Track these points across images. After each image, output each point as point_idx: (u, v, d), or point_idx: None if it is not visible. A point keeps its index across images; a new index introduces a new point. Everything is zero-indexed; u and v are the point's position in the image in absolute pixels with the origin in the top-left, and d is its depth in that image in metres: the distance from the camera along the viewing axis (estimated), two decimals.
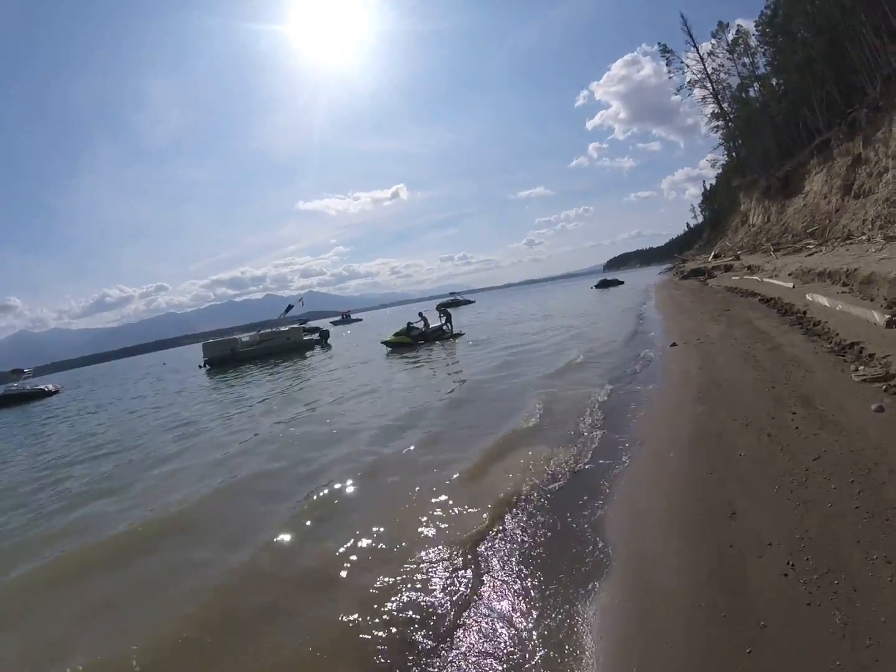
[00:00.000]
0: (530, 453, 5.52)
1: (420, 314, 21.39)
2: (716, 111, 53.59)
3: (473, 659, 2.71)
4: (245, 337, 32.65)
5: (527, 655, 2.66)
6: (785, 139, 43.12)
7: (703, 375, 7.04)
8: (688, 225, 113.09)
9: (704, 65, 53.19)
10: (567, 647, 2.66)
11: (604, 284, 51.09)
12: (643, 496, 4.10)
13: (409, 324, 20.99)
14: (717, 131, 55.43)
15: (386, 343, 20.72)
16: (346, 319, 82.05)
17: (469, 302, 70.65)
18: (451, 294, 74.89)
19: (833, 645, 2.24)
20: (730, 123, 52.78)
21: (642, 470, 4.62)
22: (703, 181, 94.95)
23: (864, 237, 17.30)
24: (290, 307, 34.81)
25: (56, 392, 35.14)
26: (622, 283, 51.44)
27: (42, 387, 35.69)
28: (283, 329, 33.01)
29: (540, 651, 2.67)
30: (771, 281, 16.32)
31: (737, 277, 21.21)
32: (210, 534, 4.90)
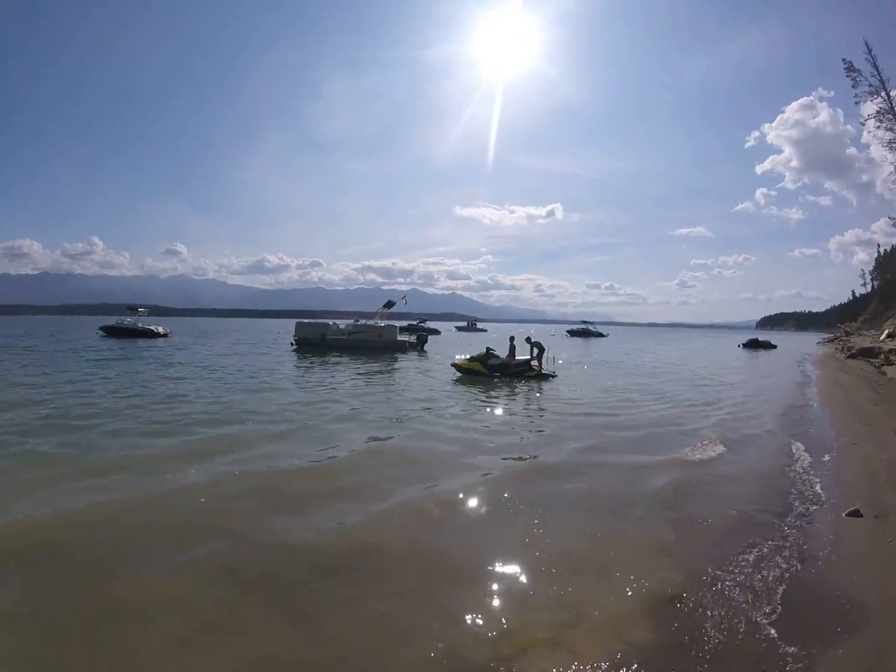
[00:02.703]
0: None
1: (510, 339, 17.69)
2: None
3: None
4: (341, 324, 31.45)
5: None
6: None
7: None
8: (853, 293, 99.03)
9: (892, 104, 39.84)
10: None
11: (753, 345, 44.85)
12: None
13: (487, 349, 17.24)
14: None
15: (456, 367, 17.21)
16: (470, 327, 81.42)
17: (601, 335, 62.17)
18: (584, 322, 67.08)
19: None
20: None
21: None
22: (878, 246, 77.29)
23: None
24: (390, 303, 32.41)
25: (164, 335, 35.68)
26: (775, 346, 44.55)
27: (152, 327, 36.19)
28: (379, 324, 30.98)
29: None
30: None
31: None
32: None
